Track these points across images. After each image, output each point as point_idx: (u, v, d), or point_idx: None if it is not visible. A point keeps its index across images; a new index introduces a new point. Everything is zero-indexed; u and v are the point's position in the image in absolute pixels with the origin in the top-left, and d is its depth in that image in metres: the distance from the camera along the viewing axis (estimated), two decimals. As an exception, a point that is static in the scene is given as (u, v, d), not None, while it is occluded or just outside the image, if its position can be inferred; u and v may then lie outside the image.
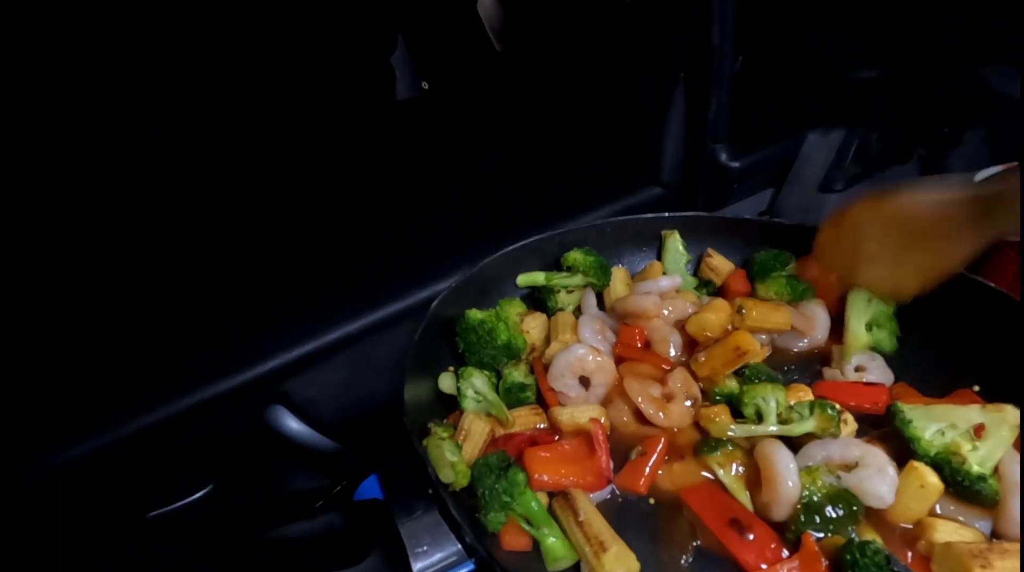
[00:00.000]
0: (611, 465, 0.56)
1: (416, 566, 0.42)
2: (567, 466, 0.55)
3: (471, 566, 0.45)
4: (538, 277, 0.79)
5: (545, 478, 0.54)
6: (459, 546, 0.44)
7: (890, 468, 0.51)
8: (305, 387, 0.78)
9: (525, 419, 0.61)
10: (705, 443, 0.55)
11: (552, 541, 0.50)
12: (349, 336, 0.84)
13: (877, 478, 0.50)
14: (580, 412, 0.59)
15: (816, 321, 0.71)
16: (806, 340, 0.70)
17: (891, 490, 0.50)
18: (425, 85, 1.49)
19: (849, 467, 0.51)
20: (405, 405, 0.55)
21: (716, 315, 0.65)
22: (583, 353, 0.63)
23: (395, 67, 1.35)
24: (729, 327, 0.66)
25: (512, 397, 0.64)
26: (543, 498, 0.54)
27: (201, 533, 0.49)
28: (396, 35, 1.32)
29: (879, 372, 0.65)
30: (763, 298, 0.74)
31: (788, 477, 0.50)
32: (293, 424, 0.74)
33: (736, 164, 1.20)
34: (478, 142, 1.31)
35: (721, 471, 0.54)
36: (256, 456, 0.75)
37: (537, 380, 0.65)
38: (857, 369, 0.66)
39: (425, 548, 0.43)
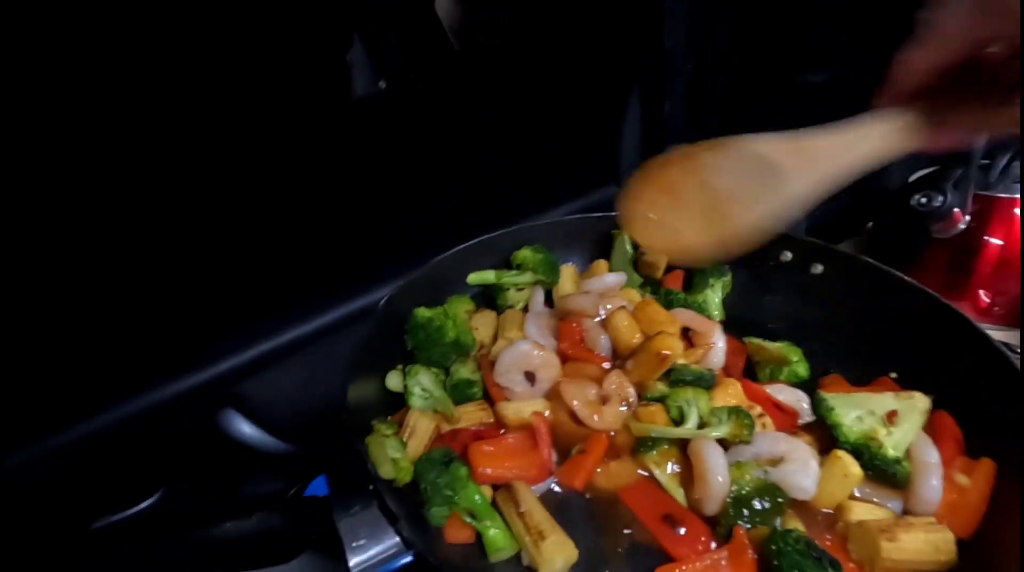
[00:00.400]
0: (554, 457, 0.57)
1: (352, 560, 0.43)
2: (511, 459, 0.56)
3: (409, 559, 0.46)
4: (488, 275, 0.80)
5: (489, 471, 0.55)
6: (397, 540, 0.45)
7: (813, 462, 0.53)
8: (259, 390, 0.77)
9: (471, 415, 0.62)
10: (642, 443, 0.57)
11: (494, 532, 0.51)
12: (303, 337, 0.84)
13: (801, 472, 0.53)
14: (525, 407, 0.61)
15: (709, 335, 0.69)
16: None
17: (814, 483, 0.52)
18: (382, 83, 1.48)
19: (776, 462, 0.53)
20: (347, 403, 0.55)
21: (625, 321, 0.66)
22: (528, 349, 0.64)
23: (352, 64, 1.34)
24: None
25: (459, 393, 0.64)
26: (487, 492, 0.55)
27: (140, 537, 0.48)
28: (351, 31, 1.31)
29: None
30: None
31: (718, 473, 0.52)
32: (246, 428, 0.74)
33: None
34: (435, 141, 1.30)
35: (657, 470, 0.56)
36: (208, 462, 0.74)
37: (484, 376, 0.66)
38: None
39: (363, 542, 0.44)
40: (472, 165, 1.25)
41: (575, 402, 0.59)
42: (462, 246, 0.79)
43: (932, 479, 0.52)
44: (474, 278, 0.80)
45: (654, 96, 1.22)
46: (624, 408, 0.59)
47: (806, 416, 0.61)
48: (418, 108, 1.39)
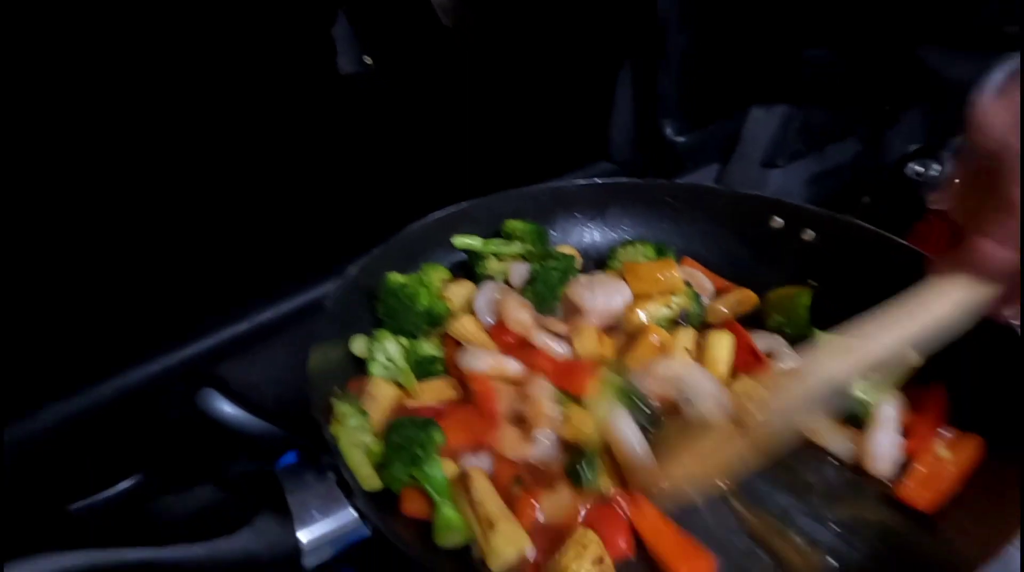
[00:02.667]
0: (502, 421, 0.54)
1: (302, 533, 0.39)
2: (466, 430, 0.53)
3: (363, 535, 0.42)
4: (475, 241, 0.77)
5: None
6: (352, 515, 0.42)
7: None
8: (242, 370, 0.74)
9: (434, 392, 0.59)
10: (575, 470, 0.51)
11: (448, 512, 0.48)
12: (285, 317, 0.81)
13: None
14: (482, 359, 0.58)
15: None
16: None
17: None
18: (368, 60, 1.44)
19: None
20: (309, 369, 0.52)
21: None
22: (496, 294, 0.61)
23: (336, 40, 1.30)
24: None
25: (422, 369, 0.61)
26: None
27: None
28: (335, 6, 1.27)
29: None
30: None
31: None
32: (227, 408, 0.71)
33: (683, 139, 1.21)
34: (422, 118, 1.27)
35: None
36: (188, 443, 0.71)
37: (447, 354, 0.63)
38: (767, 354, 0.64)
39: (315, 516, 0.40)
40: (460, 142, 1.22)
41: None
42: (438, 214, 0.76)
43: (879, 433, 0.50)
44: (459, 242, 0.76)
45: (647, 70, 1.19)
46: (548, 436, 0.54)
47: (786, 361, 0.60)
48: (405, 85, 1.36)
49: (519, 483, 0.51)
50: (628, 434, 0.51)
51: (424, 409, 0.56)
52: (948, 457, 0.49)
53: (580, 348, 0.62)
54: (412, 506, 0.49)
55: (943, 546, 0.44)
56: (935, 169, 1.02)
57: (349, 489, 0.43)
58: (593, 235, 0.85)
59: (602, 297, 0.66)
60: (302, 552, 0.39)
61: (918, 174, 1.02)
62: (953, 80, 1.16)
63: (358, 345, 0.62)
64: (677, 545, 0.47)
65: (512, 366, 0.59)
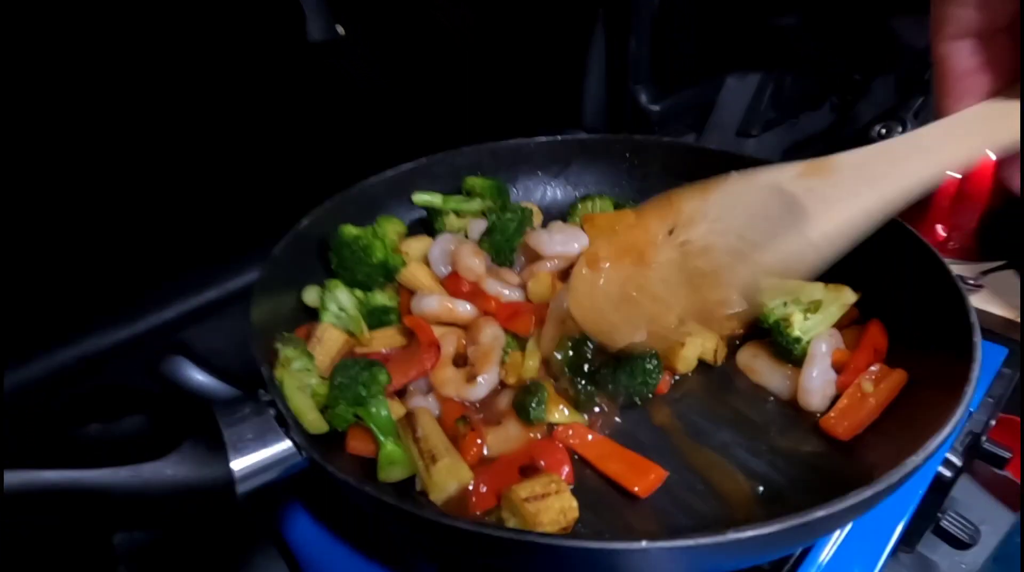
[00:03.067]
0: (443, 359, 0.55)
1: (235, 461, 0.39)
2: (408, 368, 0.53)
3: (301, 465, 0.43)
4: (435, 198, 0.76)
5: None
6: (288, 444, 0.42)
7: None
8: (208, 336, 0.73)
9: (385, 339, 0.59)
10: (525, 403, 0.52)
11: (391, 448, 0.49)
12: (253, 282, 0.80)
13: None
14: (432, 302, 0.59)
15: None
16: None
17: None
18: (340, 29, 1.41)
19: None
20: (251, 315, 0.51)
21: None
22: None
23: (305, 8, 1.27)
24: None
25: (374, 319, 0.61)
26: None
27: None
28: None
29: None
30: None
31: None
32: (195, 374, 0.70)
33: (657, 107, 1.20)
34: (393, 86, 1.25)
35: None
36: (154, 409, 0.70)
37: (401, 303, 0.63)
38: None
39: (248, 444, 0.40)
40: (432, 110, 1.20)
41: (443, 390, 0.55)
42: (396, 170, 0.75)
43: (812, 368, 0.52)
44: (419, 198, 0.76)
45: (618, 34, 1.18)
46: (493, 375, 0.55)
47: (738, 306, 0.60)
48: (377, 53, 1.33)
49: (465, 421, 0.51)
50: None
51: (373, 354, 0.56)
52: (870, 391, 0.50)
53: (533, 293, 0.62)
54: (357, 444, 0.50)
55: (856, 467, 0.45)
56: (898, 131, 1.03)
57: (287, 423, 0.43)
58: (555, 192, 0.85)
59: (560, 243, 0.66)
60: (235, 479, 0.39)
61: (881, 136, 1.03)
62: (923, 49, 1.17)
63: (310, 295, 0.61)
64: (627, 462, 0.49)
65: (462, 308, 0.59)
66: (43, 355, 0.66)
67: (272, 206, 0.87)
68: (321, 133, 1.07)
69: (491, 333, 0.56)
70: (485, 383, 0.54)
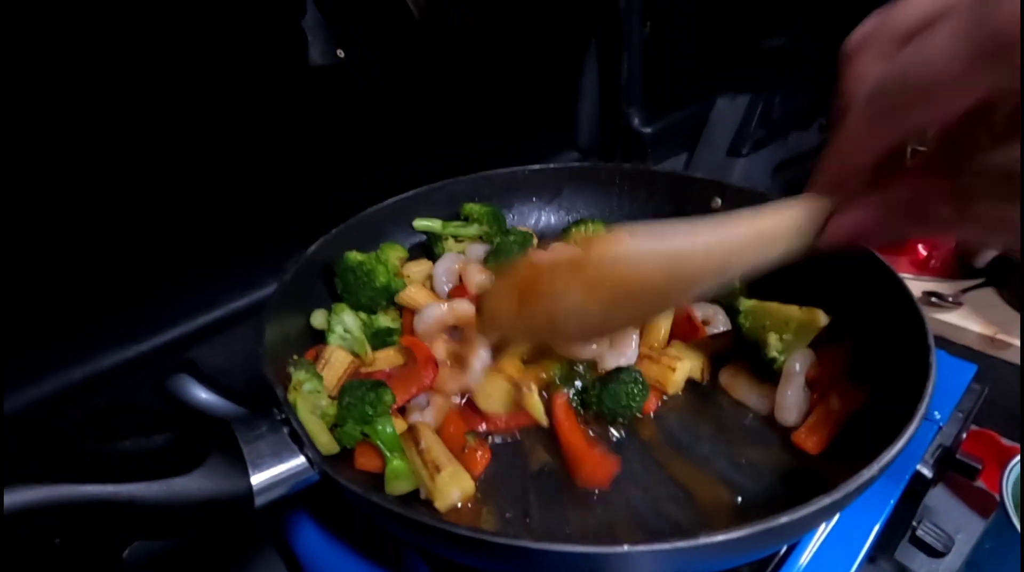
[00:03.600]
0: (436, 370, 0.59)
1: (254, 476, 0.43)
2: (406, 380, 0.58)
3: (314, 479, 0.46)
4: (435, 223, 0.80)
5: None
6: (303, 460, 0.46)
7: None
8: (213, 355, 0.75)
9: (387, 359, 0.63)
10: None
11: (397, 463, 0.52)
12: (259, 301, 0.83)
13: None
14: (435, 310, 0.63)
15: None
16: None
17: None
18: (341, 53, 1.46)
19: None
20: (265, 337, 0.55)
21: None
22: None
23: (308, 32, 1.31)
24: None
25: (379, 341, 0.65)
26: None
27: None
28: (304, -1, 1.28)
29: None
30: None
31: None
32: (200, 393, 0.72)
33: (649, 129, 1.24)
34: (392, 110, 1.29)
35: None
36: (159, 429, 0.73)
37: (404, 324, 0.67)
38: (704, 322, 0.69)
39: (266, 461, 0.44)
40: (429, 134, 1.24)
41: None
42: (397, 198, 0.80)
43: (787, 387, 0.56)
44: (419, 224, 0.80)
45: (610, 59, 1.22)
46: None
47: (720, 326, 0.65)
48: (376, 78, 1.37)
49: (474, 436, 0.56)
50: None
51: (376, 373, 0.60)
52: (837, 408, 0.54)
53: None
54: (365, 461, 0.54)
55: (823, 478, 0.49)
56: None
57: (301, 441, 0.47)
58: (549, 218, 0.89)
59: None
60: (253, 493, 0.43)
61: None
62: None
63: (317, 318, 0.65)
64: (584, 448, 0.54)
65: (463, 306, 0.63)
66: (48, 373, 0.67)
67: (276, 225, 0.91)
68: (323, 151, 1.10)
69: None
70: (478, 364, 0.58)
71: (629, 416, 0.57)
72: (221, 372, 0.75)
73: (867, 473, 0.39)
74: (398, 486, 0.52)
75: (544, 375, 0.59)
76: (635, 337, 0.62)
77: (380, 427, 0.53)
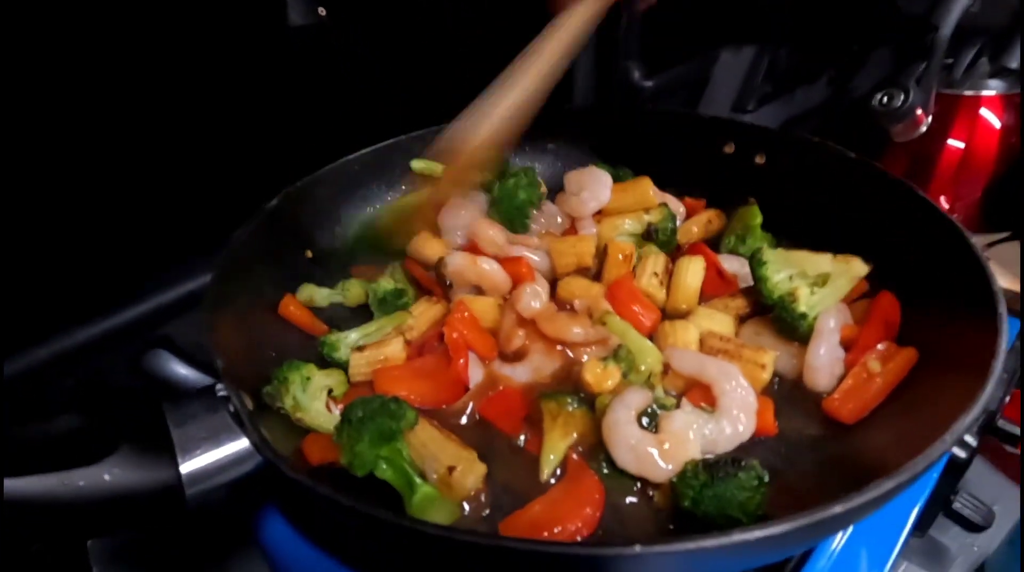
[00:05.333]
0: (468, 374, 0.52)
1: (184, 463, 0.35)
2: (422, 381, 0.51)
3: (259, 467, 0.38)
4: (433, 165, 0.74)
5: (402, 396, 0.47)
6: (244, 444, 0.38)
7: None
8: (190, 329, 0.73)
9: (426, 314, 0.58)
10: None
11: (427, 489, 0.43)
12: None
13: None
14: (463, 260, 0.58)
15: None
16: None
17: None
18: (322, 11, 1.38)
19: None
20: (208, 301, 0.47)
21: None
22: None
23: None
24: None
25: (389, 306, 0.60)
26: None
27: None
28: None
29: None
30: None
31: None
32: (178, 368, 0.69)
33: (649, 83, 1.18)
34: (377, 71, 1.22)
35: None
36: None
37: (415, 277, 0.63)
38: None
39: (199, 445, 0.36)
40: (424, 88, 1.16)
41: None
42: (371, 148, 0.73)
43: (819, 346, 0.49)
44: (417, 165, 0.74)
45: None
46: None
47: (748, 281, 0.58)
48: (360, 37, 1.30)
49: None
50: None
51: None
52: (877, 370, 0.46)
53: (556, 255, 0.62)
54: (314, 451, 0.45)
55: (867, 454, 0.42)
56: (900, 98, 0.99)
57: (243, 421, 0.39)
58: (556, 164, 0.83)
59: (592, 198, 0.66)
60: (183, 482, 0.35)
61: (883, 104, 0.99)
62: (924, 12, 1.13)
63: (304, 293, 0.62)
64: None
65: (490, 266, 0.59)
66: (23, 350, 0.64)
67: (256, 196, 0.85)
68: (304, 120, 1.04)
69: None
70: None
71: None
72: (199, 347, 0.71)
73: (939, 448, 0.31)
74: (435, 513, 0.43)
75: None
76: (752, 398, 0.47)
77: (402, 447, 0.43)
